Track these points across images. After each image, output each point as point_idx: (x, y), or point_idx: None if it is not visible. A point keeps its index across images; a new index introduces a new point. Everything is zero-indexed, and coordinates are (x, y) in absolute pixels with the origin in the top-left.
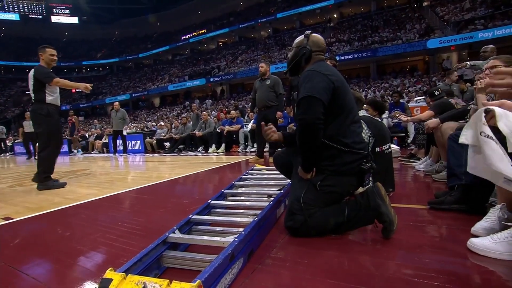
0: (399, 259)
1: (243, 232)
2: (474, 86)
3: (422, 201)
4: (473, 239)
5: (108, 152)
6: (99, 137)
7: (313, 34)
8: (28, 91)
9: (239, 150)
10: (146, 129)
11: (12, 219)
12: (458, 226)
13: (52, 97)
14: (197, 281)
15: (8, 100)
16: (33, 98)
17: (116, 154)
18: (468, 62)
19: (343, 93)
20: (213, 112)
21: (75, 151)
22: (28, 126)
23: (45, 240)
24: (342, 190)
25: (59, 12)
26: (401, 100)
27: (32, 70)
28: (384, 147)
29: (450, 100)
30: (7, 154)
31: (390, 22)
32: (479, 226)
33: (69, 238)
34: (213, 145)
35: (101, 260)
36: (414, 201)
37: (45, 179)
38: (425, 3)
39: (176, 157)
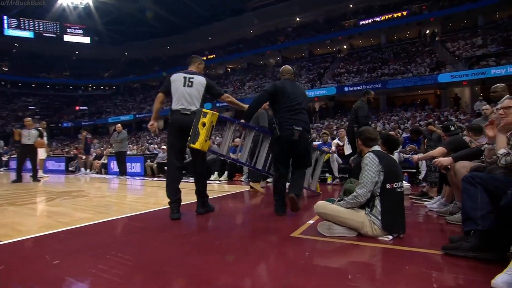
0: None
1: None
2: (485, 125)
3: (435, 245)
4: None
5: (106, 173)
6: (98, 157)
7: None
8: (32, 106)
9: (242, 179)
10: (147, 152)
11: (0, 241)
12: (476, 277)
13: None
14: None
15: (10, 114)
16: (198, 106)
17: (126, 176)
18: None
19: (281, 93)
20: (217, 137)
21: (83, 169)
22: (27, 136)
23: (32, 267)
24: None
25: (73, 31)
26: None
27: (203, 78)
28: (396, 185)
29: (464, 137)
30: (1, 169)
31: (400, 55)
32: (500, 279)
33: (57, 266)
34: (216, 173)
35: None
36: (426, 244)
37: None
38: (437, 38)
39: None
